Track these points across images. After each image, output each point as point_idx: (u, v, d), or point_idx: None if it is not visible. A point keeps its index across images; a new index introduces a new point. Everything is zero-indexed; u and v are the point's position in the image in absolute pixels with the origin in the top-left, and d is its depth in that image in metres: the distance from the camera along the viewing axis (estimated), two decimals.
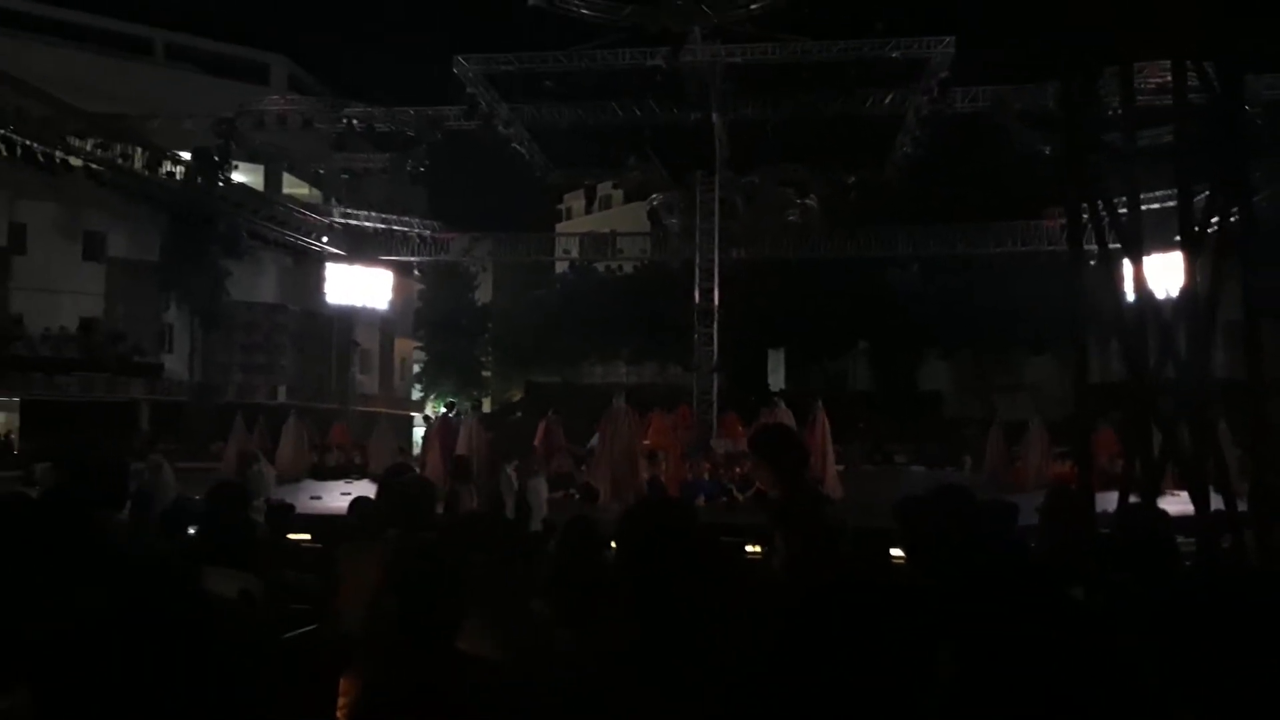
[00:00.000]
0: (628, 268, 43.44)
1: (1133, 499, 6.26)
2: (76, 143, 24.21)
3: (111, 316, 31.01)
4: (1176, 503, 7.03)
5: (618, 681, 2.49)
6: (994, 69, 24.89)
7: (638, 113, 26.46)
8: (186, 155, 28.25)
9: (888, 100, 25.54)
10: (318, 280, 33.53)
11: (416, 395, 48.15)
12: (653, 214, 33.45)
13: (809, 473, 4.27)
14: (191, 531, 5.25)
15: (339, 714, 2.23)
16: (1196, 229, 6.45)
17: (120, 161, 25.56)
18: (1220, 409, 7.75)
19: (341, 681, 2.27)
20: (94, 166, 24.96)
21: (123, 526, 5.14)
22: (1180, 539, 5.02)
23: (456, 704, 2.22)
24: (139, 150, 26.28)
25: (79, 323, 29.63)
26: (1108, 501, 6.34)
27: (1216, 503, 6.36)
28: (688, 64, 23.31)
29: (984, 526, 3.62)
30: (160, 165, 27.07)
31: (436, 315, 47.02)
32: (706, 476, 17.66)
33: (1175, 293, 6.78)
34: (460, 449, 16.91)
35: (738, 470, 17.14)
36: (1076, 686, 2.35)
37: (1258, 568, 5.35)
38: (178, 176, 27.71)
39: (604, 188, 55.63)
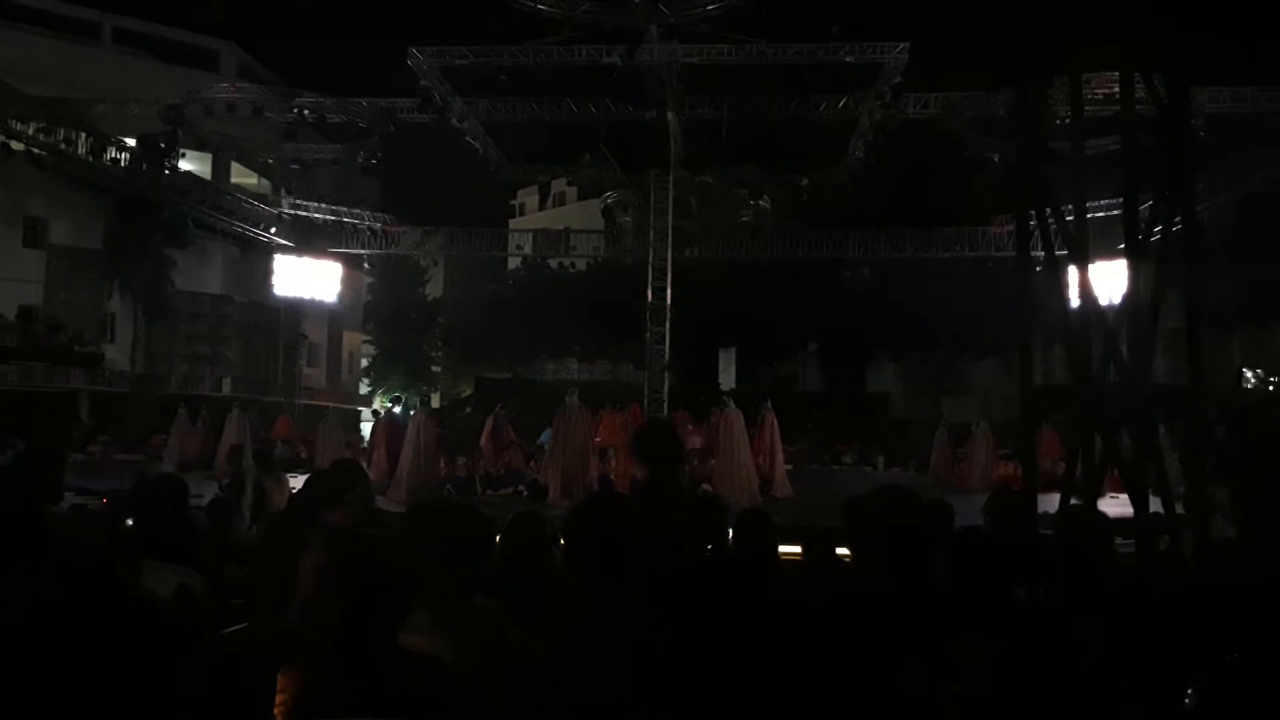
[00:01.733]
0: (580, 265, 43.36)
1: (1073, 501, 6.36)
2: (18, 126, 23.64)
3: (52, 305, 30.32)
4: (1116, 505, 7.17)
5: (565, 677, 2.47)
6: (946, 76, 25.21)
7: (593, 110, 26.40)
8: (132, 141, 27.71)
9: (841, 104, 25.73)
10: (265, 271, 33.05)
11: (365, 389, 47.71)
12: (606, 211, 33.43)
13: (684, 474, 4.28)
14: (129, 524, 5.15)
15: (277, 711, 2.19)
16: (1141, 237, 6.57)
17: (63, 146, 25.00)
18: (1160, 414, 7.90)
19: (280, 678, 2.22)
20: (36, 151, 24.39)
21: (61, 519, 5.03)
22: (1119, 540, 5.11)
23: (399, 701, 2.18)
24: (83, 135, 25.72)
25: (17, 311, 28.96)
26: (1049, 503, 6.43)
27: (1155, 506, 6.48)
28: (644, 62, 23.30)
29: (929, 526, 3.66)
30: (105, 151, 26.50)
31: (386, 309, 46.61)
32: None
33: (1119, 299, 6.90)
34: (408, 444, 16.77)
35: (687, 469, 17.15)
36: (1021, 684, 2.38)
37: (1193, 569, 5.45)
38: (123, 163, 27.17)
39: (558, 184, 55.52)
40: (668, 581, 3.01)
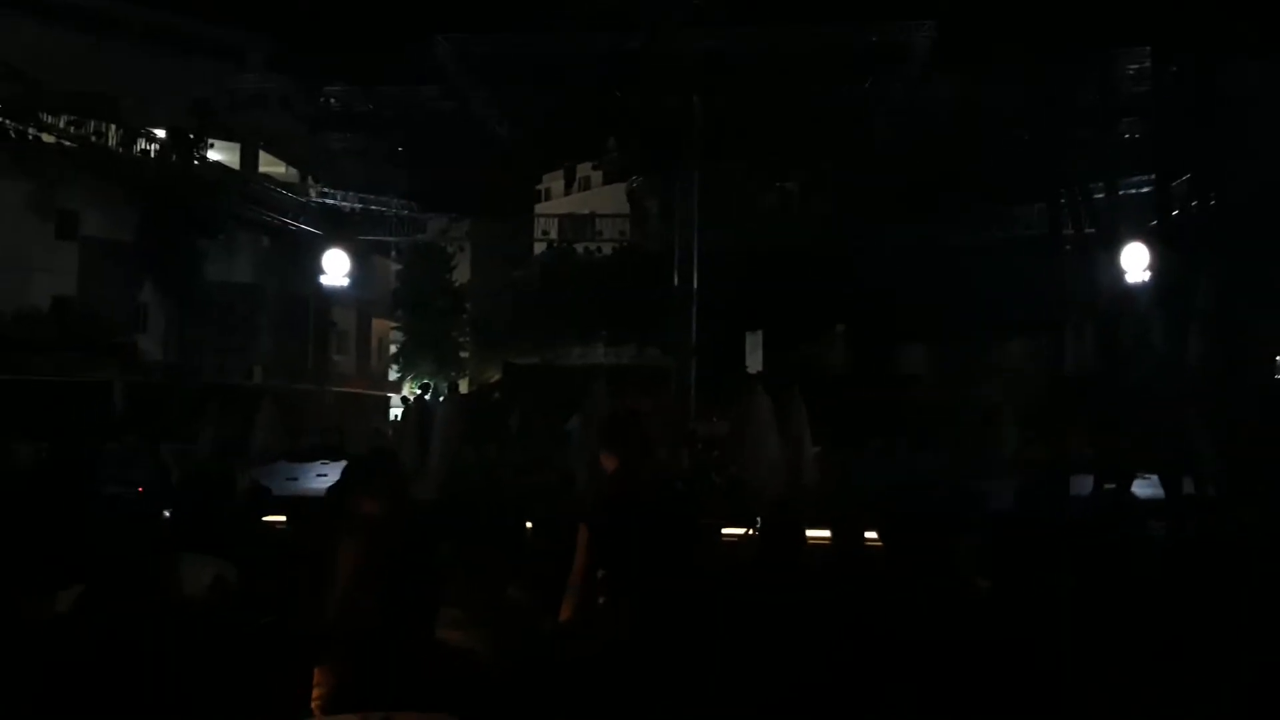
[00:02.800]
0: (606, 249, 43.32)
1: (1105, 484, 6.32)
2: (49, 120, 23.91)
3: (85, 296, 30.62)
4: (1148, 486, 7.12)
5: (600, 669, 2.49)
6: (975, 56, 24.87)
7: (617, 95, 26.34)
8: (161, 133, 27.91)
9: (867, 85, 25.48)
10: (294, 260, 33.22)
11: (394, 376, 48.01)
12: (632, 195, 33.37)
13: (647, 464, 4.19)
14: (167, 516, 5.22)
15: (313, 705, 2.21)
16: (1173, 216, 6.51)
17: (94, 139, 25.26)
18: (1193, 395, 7.84)
19: (316, 672, 2.25)
20: (67, 144, 24.64)
21: (99, 510, 5.10)
22: (1151, 521, 5.08)
23: (436, 695, 2.20)
24: (113, 128, 25.97)
25: (51, 302, 29.26)
26: (1081, 486, 6.40)
27: (1187, 486, 6.43)
28: (667, 47, 23.21)
29: (958, 511, 3.65)
30: (135, 143, 26.75)
31: (414, 296, 46.81)
32: (685, 461, 17.60)
33: (1151, 279, 6.84)
34: (437, 431, 16.83)
35: (716, 454, 17.11)
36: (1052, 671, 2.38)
37: (1225, 547, 5.41)
38: (152, 155, 27.41)
39: (583, 169, 55.47)
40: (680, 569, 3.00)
